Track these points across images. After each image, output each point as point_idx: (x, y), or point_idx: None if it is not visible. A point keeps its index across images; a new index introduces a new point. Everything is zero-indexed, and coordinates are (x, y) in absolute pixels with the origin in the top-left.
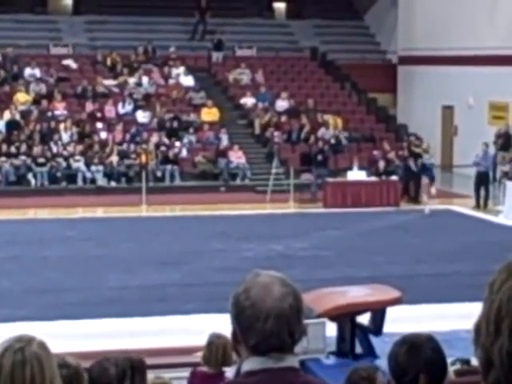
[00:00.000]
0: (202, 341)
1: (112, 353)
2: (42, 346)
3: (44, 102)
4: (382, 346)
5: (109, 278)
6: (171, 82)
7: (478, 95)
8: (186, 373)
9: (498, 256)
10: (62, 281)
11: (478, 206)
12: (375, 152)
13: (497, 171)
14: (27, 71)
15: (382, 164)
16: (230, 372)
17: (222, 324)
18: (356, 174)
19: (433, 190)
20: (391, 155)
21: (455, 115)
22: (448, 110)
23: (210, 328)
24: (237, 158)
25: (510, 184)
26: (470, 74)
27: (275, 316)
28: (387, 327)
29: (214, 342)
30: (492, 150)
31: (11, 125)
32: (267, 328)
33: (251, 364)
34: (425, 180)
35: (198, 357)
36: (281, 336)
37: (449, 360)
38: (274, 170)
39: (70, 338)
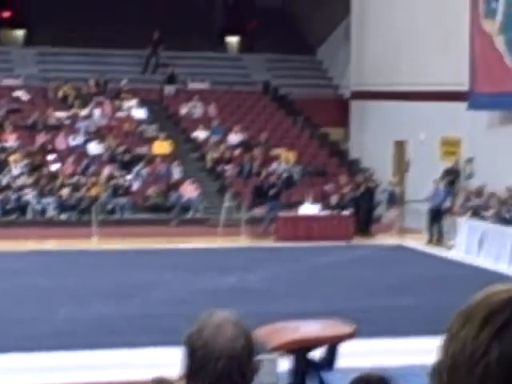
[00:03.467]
0: (151, 375)
1: None
2: None
3: None
4: (335, 381)
5: (59, 311)
6: (123, 114)
7: (429, 130)
8: None
9: (450, 291)
10: (12, 313)
11: (430, 241)
12: (327, 186)
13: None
14: None
15: (334, 198)
16: None
17: (171, 357)
18: (308, 208)
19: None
20: (346, 189)
21: (407, 150)
22: (400, 145)
23: (160, 361)
24: (189, 191)
25: (460, 220)
26: (422, 110)
27: (227, 357)
28: (340, 362)
29: None
30: (441, 185)
31: None
32: (219, 369)
33: None
34: (395, 210)
35: None
36: (232, 377)
37: None
38: (226, 204)
39: (20, 371)
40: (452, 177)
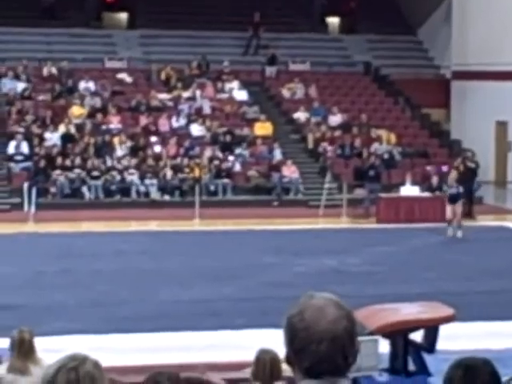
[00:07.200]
0: (252, 356)
1: (164, 367)
2: (96, 365)
3: (99, 116)
4: (436, 364)
5: (161, 292)
6: (225, 96)
7: None
8: None
9: None
10: (115, 294)
11: None
12: (428, 167)
13: None
14: (82, 85)
15: (435, 180)
16: None
17: (273, 339)
18: (409, 190)
19: None
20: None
21: (509, 131)
22: (502, 126)
23: (261, 343)
24: (290, 172)
25: None
26: None
27: (329, 339)
28: (440, 344)
29: (262, 357)
30: None
31: (66, 138)
32: (321, 351)
33: None
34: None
35: (247, 373)
36: (335, 359)
37: (503, 379)
38: (326, 185)
39: (122, 351)
40: None
